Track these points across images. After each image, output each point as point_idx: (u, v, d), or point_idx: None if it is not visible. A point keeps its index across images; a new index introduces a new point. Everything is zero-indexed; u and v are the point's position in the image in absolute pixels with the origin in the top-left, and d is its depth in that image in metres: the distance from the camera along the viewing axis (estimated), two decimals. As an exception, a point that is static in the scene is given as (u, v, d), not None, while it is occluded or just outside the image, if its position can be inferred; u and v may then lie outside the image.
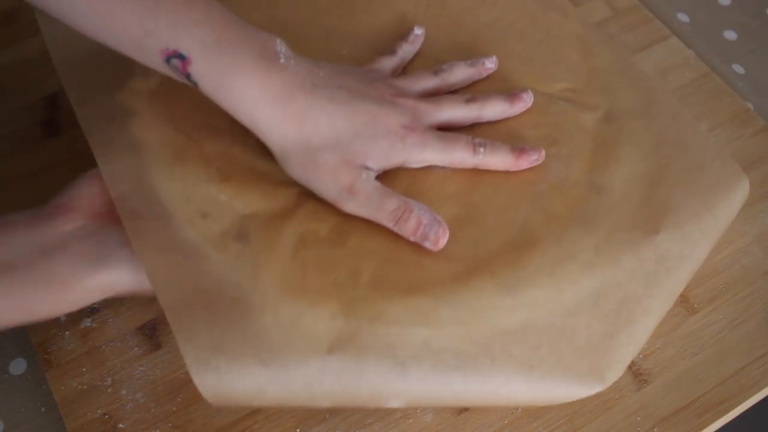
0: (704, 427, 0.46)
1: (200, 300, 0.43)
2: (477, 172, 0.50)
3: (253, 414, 0.46)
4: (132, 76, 0.52)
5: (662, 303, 0.47)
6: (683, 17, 0.65)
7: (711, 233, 0.49)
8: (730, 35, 0.65)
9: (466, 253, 0.47)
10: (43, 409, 0.47)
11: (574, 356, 0.44)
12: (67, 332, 0.49)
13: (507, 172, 0.51)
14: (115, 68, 0.52)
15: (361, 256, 0.46)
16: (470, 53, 0.57)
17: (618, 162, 0.51)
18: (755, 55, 0.63)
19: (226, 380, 0.41)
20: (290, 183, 0.48)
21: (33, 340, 0.48)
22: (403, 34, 0.57)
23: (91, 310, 0.49)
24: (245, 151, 0.49)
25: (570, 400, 0.44)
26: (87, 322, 0.49)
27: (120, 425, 0.45)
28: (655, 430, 0.46)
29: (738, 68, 0.63)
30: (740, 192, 0.51)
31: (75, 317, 0.49)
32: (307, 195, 0.48)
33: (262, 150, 0.49)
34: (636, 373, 0.48)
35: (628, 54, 0.59)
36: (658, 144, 0.52)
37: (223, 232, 0.46)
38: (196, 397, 0.45)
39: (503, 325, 0.44)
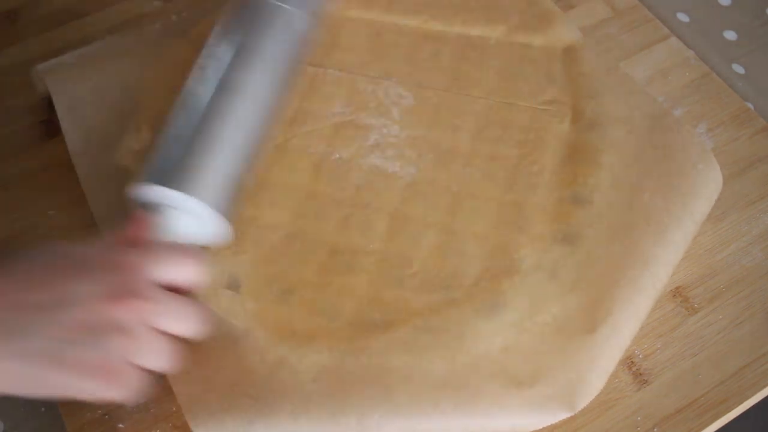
0: (704, 427, 0.46)
1: (193, 349, 0.44)
2: (459, 197, 0.51)
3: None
4: (127, 132, 0.53)
5: (645, 308, 0.48)
6: (683, 17, 0.65)
7: (691, 236, 0.50)
8: (730, 35, 0.65)
9: (447, 283, 0.48)
10: (42, 409, 0.47)
11: (562, 369, 0.45)
12: (67, 332, 0.49)
13: (488, 196, 0.51)
14: (112, 120, 0.54)
15: (345, 295, 0.47)
16: (452, 73, 0.57)
17: (600, 171, 0.52)
18: (755, 55, 0.63)
19: (216, 413, 0.43)
20: (276, 225, 0.50)
21: (33, 340, 0.48)
22: (378, 54, 0.58)
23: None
24: None
25: (563, 416, 0.44)
26: (87, 322, 0.49)
27: (120, 425, 0.45)
28: (655, 430, 0.46)
29: (738, 68, 0.63)
30: (716, 191, 0.52)
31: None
32: (293, 236, 0.50)
33: (250, 193, 0.50)
34: (636, 373, 0.48)
35: (614, 59, 0.60)
36: (640, 149, 0.53)
37: (215, 281, 0.47)
38: (196, 397, 0.45)
39: (485, 348, 0.45)
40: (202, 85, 0.47)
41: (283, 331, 0.46)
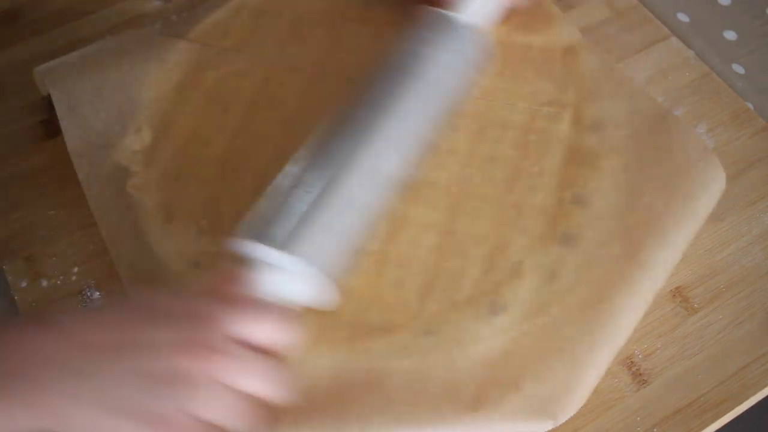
0: (704, 427, 0.46)
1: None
2: (459, 198, 0.51)
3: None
4: (126, 132, 0.54)
5: (643, 307, 0.48)
6: (683, 17, 0.65)
7: (692, 235, 0.50)
8: (730, 35, 0.65)
9: (447, 284, 0.48)
10: None
11: (561, 371, 0.45)
12: (67, 332, 0.48)
13: (488, 197, 0.51)
14: (112, 120, 0.54)
15: (345, 295, 0.47)
16: None
17: (600, 172, 0.52)
18: (755, 55, 0.63)
19: None
20: None
21: (33, 340, 0.48)
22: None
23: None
24: (233, 197, 0.51)
25: (563, 419, 0.44)
26: (87, 322, 0.49)
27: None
28: (655, 430, 0.46)
29: (738, 68, 0.62)
30: (718, 190, 0.52)
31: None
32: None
33: (249, 194, 0.50)
34: (636, 373, 0.48)
35: (614, 59, 0.59)
36: (641, 150, 0.53)
37: None
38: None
39: (484, 351, 0.45)
40: (340, 130, 0.44)
41: None
